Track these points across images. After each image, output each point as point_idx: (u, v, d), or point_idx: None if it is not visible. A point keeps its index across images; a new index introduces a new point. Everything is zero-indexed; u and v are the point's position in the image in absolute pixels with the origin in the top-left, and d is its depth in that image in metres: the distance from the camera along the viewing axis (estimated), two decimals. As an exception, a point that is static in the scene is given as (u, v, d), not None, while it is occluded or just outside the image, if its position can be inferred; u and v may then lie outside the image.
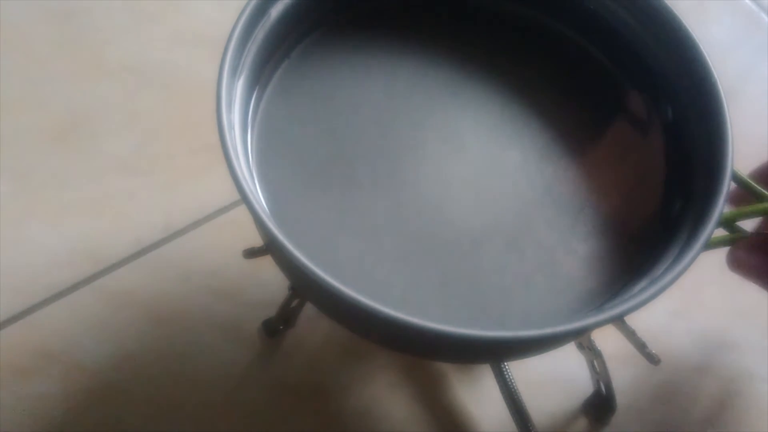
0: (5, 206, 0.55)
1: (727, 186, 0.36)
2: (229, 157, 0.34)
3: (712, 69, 0.39)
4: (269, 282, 0.54)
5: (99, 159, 0.58)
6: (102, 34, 0.63)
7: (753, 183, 0.40)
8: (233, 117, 0.38)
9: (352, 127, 0.42)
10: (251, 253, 0.46)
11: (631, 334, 0.44)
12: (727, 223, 0.41)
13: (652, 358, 0.43)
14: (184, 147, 0.59)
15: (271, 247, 0.39)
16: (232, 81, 0.38)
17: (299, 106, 0.42)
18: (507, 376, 0.45)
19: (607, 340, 0.45)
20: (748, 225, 0.41)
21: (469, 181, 0.41)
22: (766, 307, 0.57)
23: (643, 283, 0.36)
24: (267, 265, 0.51)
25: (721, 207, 0.36)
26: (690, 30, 0.40)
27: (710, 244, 0.39)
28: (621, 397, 0.50)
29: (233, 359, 0.51)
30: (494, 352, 0.41)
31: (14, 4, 0.63)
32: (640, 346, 0.43)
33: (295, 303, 0.49)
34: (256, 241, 0.46)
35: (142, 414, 0.49)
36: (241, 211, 0.57)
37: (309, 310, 0.51)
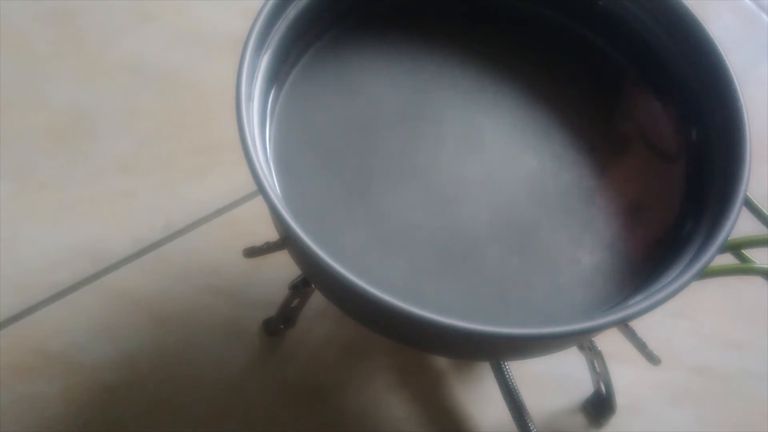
0: (5, 206, 0.55)
1: (738, 211, 0.36)
2: (243, 133, 0.34)
3: (740, 96, 0.39)
4: (269, 281, 0.54)
5: (99, 159, 0.58)
6: (102, 34, 0.63)
7: (764, 210, 0.40)
8: (254, 90, 0.38)
9: (372, 118, 0.42)
10: (251, 253, 0.46)
11: (631, 334, 0.44)
12: (735, 249, 0.41)
13: (652, 358, 0.43)
14: (184, 147, 0.59)
15: (287, 241, 0.40)
16: (257, 54, 0.38)
17: (323, 91, 0.42)
18: (507, 376, 0.45)
19: (607, 340, 0.45)
20: (756, 254, 0.42)
21: (483, 181, 0.41)
22: (766, 307, 0.57)
23: (638, 297, 0.36)
24: (267, 265, 0.51)
25: (728, 231, 0.36)
26: (723, 54, 0.40)
27: (718, 272, 0.39)
28: (621, 397, 0.50)
29: (233, 359, 0.51)
30: (490, 349, 0.41)
31: (14, 4, 0.63)
32: (640, 346, 0.43)
33: (295, 302, 0.49)
34: (256, 240, 0.46)
35: (142, 414, 0.49)
36: (241, 210, 0.57)
37: (309, 310, 0.51)
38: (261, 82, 0.39)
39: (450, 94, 0.44)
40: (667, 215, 0.41)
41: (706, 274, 0.38)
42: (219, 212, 0.57)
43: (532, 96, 0.44)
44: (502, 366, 0.45)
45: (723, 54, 0.40)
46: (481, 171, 0.42)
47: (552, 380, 0.53)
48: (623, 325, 0.43)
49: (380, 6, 0.45)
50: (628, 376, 0.52)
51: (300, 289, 0.47)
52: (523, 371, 0.48)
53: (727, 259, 0.42)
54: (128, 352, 0.51)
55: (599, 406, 0.51)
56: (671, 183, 0.42)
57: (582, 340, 0.45)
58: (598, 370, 0.49)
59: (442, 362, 0.53)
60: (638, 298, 0.36)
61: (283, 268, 0.48)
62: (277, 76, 0.41)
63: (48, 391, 0.49)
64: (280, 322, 0.51)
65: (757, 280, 0.42)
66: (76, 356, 0.50)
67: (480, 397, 0.52)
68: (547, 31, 0.46)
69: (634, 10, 0.43)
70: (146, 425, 0.49)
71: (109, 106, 0.60)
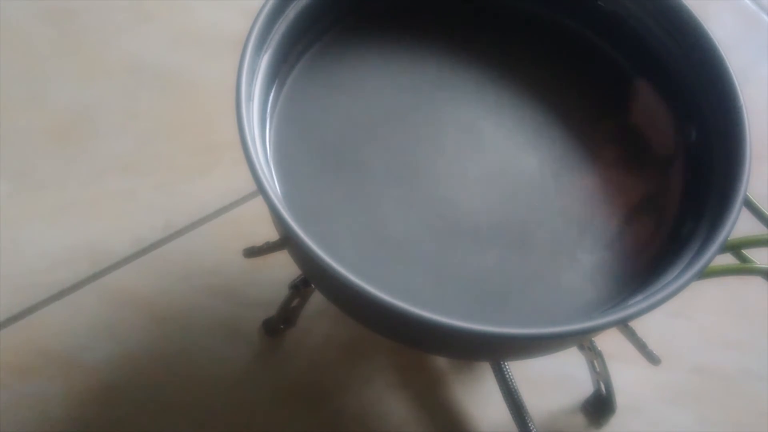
0: (5, 206, 0.55)
1: (738, 211, 0.36)
2: (243, 133, 0.34)
3: (740, 95, 0.39)
4: (269, 281, 0.54)
5: (99, 159, 0.58)
6: (102, 34, 0.63)
7: (764, 210, 0.40)
8: (254, 90, 0.38)
9: (372, 118, 0.42)
10: (251, 253, 0.46)
11: (631, 334, 0.44)
12: (735, 249, 0.41)
13: (652, 358, 0.43)
14: (184, 147, 0.59)
15: (287, 241, 0.40)
16: (257, 54, 0.38)
17: (323, 90, 0.42)
18: (507, 376, 0.45)
19: (607, 340, 0.45)
20: (756, 254, 0.42)
21: (483, 181, 0.41)
22: (766, 307, 0.57)
23: (638, 297, 0.36)
24: (267, 265, 0.51)
25: (728, 231, 0.36)
26: (723, 54, 0.40)
27: (718, 272, 0.39)
28: (621, 397, 0.50)
29: (233, 359, 0.51)
30: (490, 349, 0.41)
31: (14, 4, 0.63)
32: (640, 346, 0.43)
33: (295, 302, 0.49)
34: (256, 240, 0.46)
35: (142, 414, 0.49)
36: (241, 210, 0.57)
37: (309, 309, 0.51)
38: (261, 82, 0.39)
39: (450, 95, 0.44)
40: (667, 215, 0.41)
41: (706, 274, 0.38)
42: (219, 212, 0.57)
43: (532, 96, 0.44)
44: (502, 366, 0.45)
45: (723, 54, 0.40)
46: (481, 171, 0.42)
47: (552, 380, 0.53)
48: (623, 325, 0.43)
49: (380, 6, 0.45)
50: (628, 376, 0.52)
51: (300, 289, 0.47)
52: (523, 371, 0.48)
53: (727, 259, 0.42)
54: (128, 352, 0.51)
55: (599, 406, 0.51)
56: (671, 183, 0.42)
57: (582, 340, 0.45)
58: (598, 370, 0.49)
59: (442, 362, 0.53)
60: (638, 298, 0.36)
61: (283, 268, 0.48)
62: (277, 76, 0.41)
63: (48, 391, 0.49)
64: (280, 322, 0.51)
65: (757, 280, 0.42)
66: (76, 356, 0.50)
67: (480, 397, 0.52)
68: (548, 31, 0.46)
69: (635, 10, 0.43)
70: (146, 425, 0.49)
71: (109, 106, 0.60)
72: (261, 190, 0.33)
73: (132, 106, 0.60)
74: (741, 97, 0.39)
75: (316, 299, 0.49)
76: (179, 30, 0.64)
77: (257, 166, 0.34)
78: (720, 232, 0.35)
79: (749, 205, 0.41)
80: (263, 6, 0.38)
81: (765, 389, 0.54)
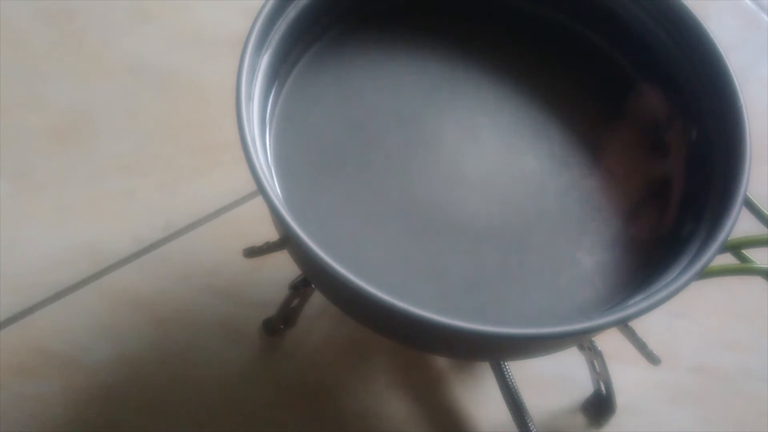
0: (5, 206, 0.55)
1: (738, 211, 0.36)
2: (243, 133, 0.34)
3: (740, 95, 0.39)
4: (269, 281, 0.54)
5: (99, 159, 0.58)
6: (102, 34, 0.63)
7: (764, 210, 0.40)
8: (254, 90, 0.38)
9: (372, 118, 0.42)
10: (251, 253, 0.46)
11: (631, 334, 0.44)
12: (735, 249, 0.41)
13: (652, 358, 0.43)
14: (184, 147, 0.59)
15: (287, 241, 0.40)
16: (257, 54, 0.38)
17: (323, 90, 0.42)
18: (507, 376, 0.45)
19: (607, 340, 0.45)
20: (756, 254, 0.42)
21: (482, 181, 0.41)
22: (766, 307, 0.57)
23: (638, 298, 0.36)
24: (267, 265, 0.51)
25: (728, 231, 0.36)
26: (723, 54, 0.40)
27: (718, 272, 0.39)
28: (621, 397, 0.50)
29: (233, 359, 0.51)
30: (490, 349, 0.41)
31: (15, 4, 0.63)
32: (640, 346, 0.43)
33: (295, 302, 0.49)
34: (256, 240, 0.46)
35: (142, 414, 0.49)
36: (241, 210, 0.57)
37: (309, 309, 0.51)
38: (261, 82, 0.39)
39: (449, 94, 0.44)
40: (667, 215, 0.41)
41: (706, 274, 0.38)
42: (219, 212, 0.57)
43: (532, 96, 0.44)
44: (502, 366, 0.45)
45: (723, 54, 0.40)
46: (481, 171, 0.42)
47: (552, 380, 0.53)
48: (623, 325, 0.43)
49: (381, 6, 0.45)
50: (628, 376, 0.52)
51: (300, 289, 0.47)
52: (523, 371, 0.48)
53: (727, 259, 0.42)
54: (128, 352, 0.51)
55: (599, 406, 0.51)
56: (671, 183, 0.42)
57: (582, 340, 0.45)
58: (598, 370, 0.49)
59: (442, 362, 0.53)
60: (638, 298, 0.36)
61: (283, 268, 0.48)
62: (277, 76, 0.41)
63: (48, 391, 0.49)
64: (280, 322, 0.51)
65: (757, 280, 0.42)
66: (76, 356, 0.50)
67: (480, 397, 0.52)
68: (547, 31, 0.46)
69: (634, 10, 0.43)
70: (146, 425, 0.49)
71: (109, 106, 0.60)
72: (261, 190, 0.34)
73: (132, 106, 0.60)
74: (741, 97, 0.39)
75: (316, 299, 0.49)
76: (179, 30, 0.64)
77: (257, 166, 0.34)
78: (720, 232, 0.35)
79: (749, 205, 0.41)
80: (263, 6, 0.38)
81: (765, 389, 0.54)
